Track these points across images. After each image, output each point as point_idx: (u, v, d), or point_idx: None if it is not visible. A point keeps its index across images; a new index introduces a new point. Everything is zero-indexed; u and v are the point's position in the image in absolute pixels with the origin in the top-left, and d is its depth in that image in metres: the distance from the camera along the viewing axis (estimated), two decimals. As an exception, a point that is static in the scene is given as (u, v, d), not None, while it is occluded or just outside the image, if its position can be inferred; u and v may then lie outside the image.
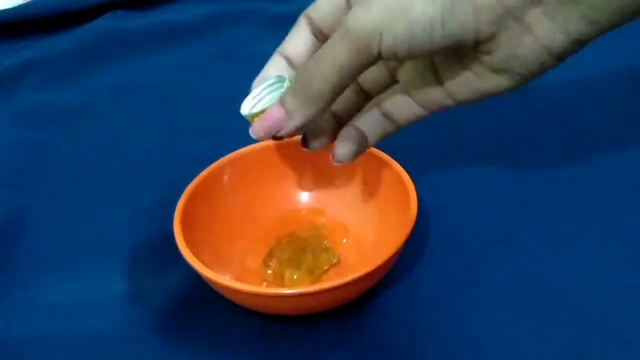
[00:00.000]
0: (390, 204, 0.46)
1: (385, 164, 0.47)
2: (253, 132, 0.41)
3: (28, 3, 0.80)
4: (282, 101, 0.39)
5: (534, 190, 0.51)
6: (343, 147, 0.42)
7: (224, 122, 0.61)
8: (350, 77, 0.37)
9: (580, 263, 0.45)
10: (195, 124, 0.62)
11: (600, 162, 0.53)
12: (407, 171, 0.46)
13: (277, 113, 0.39)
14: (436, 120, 0.58)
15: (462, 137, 0.57)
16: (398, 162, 0.47)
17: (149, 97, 0.67)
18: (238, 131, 0.58)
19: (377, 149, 0.48)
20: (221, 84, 0.67)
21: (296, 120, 0.39)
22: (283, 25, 0.73)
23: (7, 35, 0.78)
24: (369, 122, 0.42)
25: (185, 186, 0.47)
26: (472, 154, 0.55)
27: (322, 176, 0.50)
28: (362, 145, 0.42)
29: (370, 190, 0.49)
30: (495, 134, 0.57)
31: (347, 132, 0.42)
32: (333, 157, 0.42)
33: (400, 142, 0.53)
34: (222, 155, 0.49)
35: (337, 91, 0.37)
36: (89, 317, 0.45)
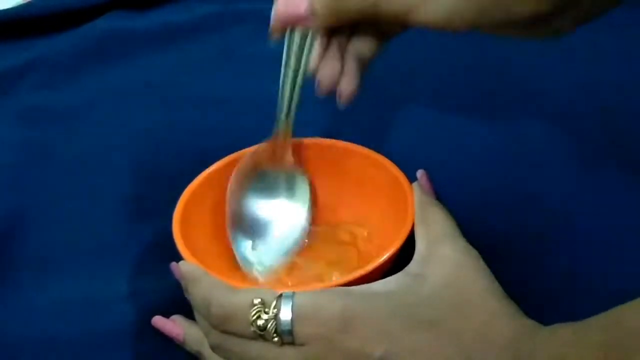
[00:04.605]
0: (389, 205, 0.46)
1: (382, 165, 0.47)
2: (275, 11, 0.42)
3: (28, 3, 0.80)
4: None
5: (533, 191, 0.51)
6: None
7: (224, 122, 0.61)
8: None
9: (579, 265, 0.45)
10: (195, 124, 0.62)
11: (601, 165, 0.53)
12: (404, 173, 0.46)
13: (302, 5, 0.41)
14: (434, 122, 0.59)
15: (460, 139, 0.57)
16: (396, 164, 0.47)
17: (149, 97, 0.67)
18: (238, 131, 0.58)
19: (375, 151, 0.48)
20: (221, 84, 0.67)
21: (319, 20, 0.41)
22: (283, 25, 0.74)
23: (7, 35, 0.77)
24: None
25: (185, 186, 0.47)
26: (471, 156, 0.55)
27: (321, 178, 0.50)
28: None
29: (368, 191, 0.49)
30: (492, 136, 0.57)
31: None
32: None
33: (398, 144, 0.54)
34: (222, 155, 0.49)
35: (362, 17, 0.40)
36: (88, 317, 0.45)
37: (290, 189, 0.48)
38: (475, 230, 0.47)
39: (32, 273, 0.49)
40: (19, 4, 0.81)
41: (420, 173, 0.45)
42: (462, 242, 0.41)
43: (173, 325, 0.42)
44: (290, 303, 0.36)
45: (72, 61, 0.72)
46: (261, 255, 0.46)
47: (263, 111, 0.62)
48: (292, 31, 0.42)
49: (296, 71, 0.44)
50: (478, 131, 0.57)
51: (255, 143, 0.50)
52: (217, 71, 0.70)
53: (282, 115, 0.46)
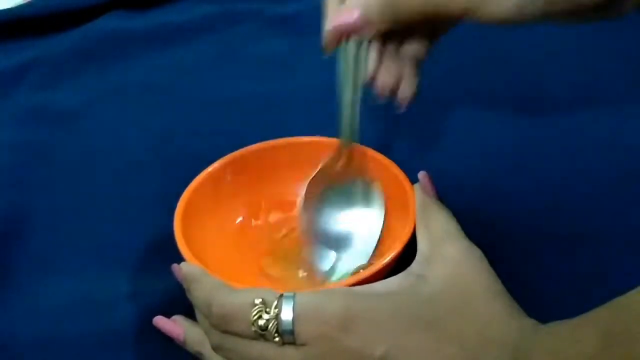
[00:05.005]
0: (390, 205, 0.46)
1: (383, 166, 0.47)
2: (328, 24, 0.42)
3: (28, 3, 0.80)
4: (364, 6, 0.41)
5: (534, 192, 0.51)
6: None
7: (224, 122, 0.61)
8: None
9: (580, 265, 0.45)
10: (196, 124, 0.62)
11: (603, 165, 0.53)
12: (406, 174, 0.46)
13: (355, 14, 0.41)
14: (435, 123, 0.59)
15: (462, 140, 0.57)
16: (397, 164, 0.47)
17: (149, 98, 0.67)
18: (238, 131, 0.58)
19: (377, 150, 0.48)
20: (221, 85, 0.67)
21: (374, 27, 0.41)
22: (283, 25, 0.74)
23: (7, 35, 0.77)
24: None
25: (186, 186, 0.47)
26: (472, 156, 0.55)
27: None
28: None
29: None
30: (494, 137, 0.57)
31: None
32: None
33: (399, 145, 0.54)
34: (222, 155, 0.49)
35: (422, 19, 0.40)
36: (89, 317, 0.45)
37: (364, 197, 0.48)
38: (476, 230, 0.47)
39: (33, 273, 0.49)
40: (18, 4, 0.81)
41: (421, 174, 0.45)
42: (464, 242, 0.41)
43: (174, 326, 0.42)
44: (292, 303, 0.36)
45: (72, 61, 0.72)
46: (343, 265, 0.46)
47: (263, 111, 0.62)
48: (346, 42, 0.42)
49: (355, 81, 0.43)
50: (479, 132, 0.57)
51: (255, 143, 0.50)
52: (216, 71, 0.70)
53: (347, 127, 0.45)
